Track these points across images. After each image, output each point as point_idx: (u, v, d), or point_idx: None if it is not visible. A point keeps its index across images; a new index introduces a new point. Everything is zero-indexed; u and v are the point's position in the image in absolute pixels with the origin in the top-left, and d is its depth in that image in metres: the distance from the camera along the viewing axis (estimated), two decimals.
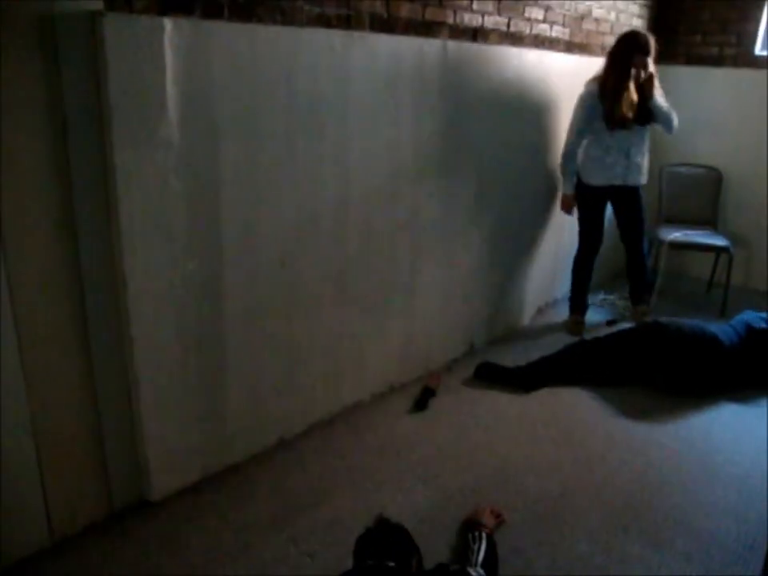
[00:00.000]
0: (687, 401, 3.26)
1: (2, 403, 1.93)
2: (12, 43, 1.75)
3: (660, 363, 3.35)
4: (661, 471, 2.72)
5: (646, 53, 3.49)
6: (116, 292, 2.12)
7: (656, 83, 3.63)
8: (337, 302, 2.82)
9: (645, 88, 3.59)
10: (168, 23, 1.98)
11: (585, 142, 3.80)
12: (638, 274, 4.17)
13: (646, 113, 3.66)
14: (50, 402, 2.06)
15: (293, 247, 2.57)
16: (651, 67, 3.57)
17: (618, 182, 3.83)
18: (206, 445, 2.49)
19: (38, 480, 2.07)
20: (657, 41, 3.55)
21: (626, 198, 3.92)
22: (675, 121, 3.78)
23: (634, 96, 3.57)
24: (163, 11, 2.01)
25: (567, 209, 3.96)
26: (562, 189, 3.94)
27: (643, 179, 3.92)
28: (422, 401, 3.13)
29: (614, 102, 3.57)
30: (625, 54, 3.52)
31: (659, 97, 3.70)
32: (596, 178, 3.84)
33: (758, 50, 4.67)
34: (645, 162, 3.89)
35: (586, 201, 3.94)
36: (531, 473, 2.67)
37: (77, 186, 1.96)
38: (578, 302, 4.18)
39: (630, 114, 3.59)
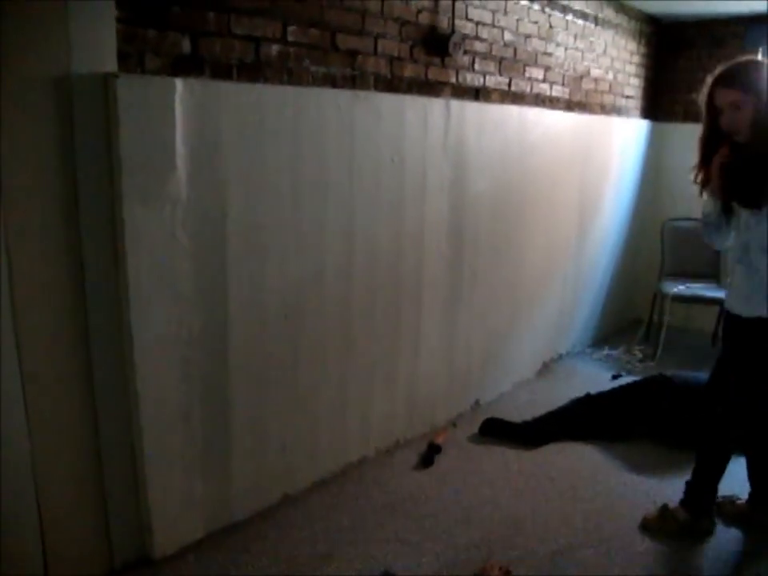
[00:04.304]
0: (694, 454, 3.21)
1: (4, 458, 1.92)
2: (29, 103, 1.81)
3: (666, 416, 3.33)
4: None
5: (726, 84, 2.20)
6: (122, 346, 2.13)
7: None
8: (342, 357, 2.82)
9: (739, 140, 2.22)
10: (179, 83, 2.05)
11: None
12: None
13: (752, 185, 2.19)
14: (53, 459, 2.05)
15: (298, 302, 2.58)
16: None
17: (735, 308, 2.38)
18: (210, 502, 2.45)
19: (38, 537, 2.04)
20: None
21: (746, 336, 2.37)
22: None
23: (720, 158, 2.27)
24: (174, 72, 2.08)
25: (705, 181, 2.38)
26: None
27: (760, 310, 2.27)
28: (428, 457, 3.10)
29: (700, 165, 2.38)
30: (708, 94, 2.29)
31: None
32: (727, 298, 2.47)
33: None
34: None
35: (726, 335, 2.52)
36: (539, 528, 2.62)
37: (86, 242, 2.00)
38: (705, 495, 2.60)
39: (718, 184, 2.28)
